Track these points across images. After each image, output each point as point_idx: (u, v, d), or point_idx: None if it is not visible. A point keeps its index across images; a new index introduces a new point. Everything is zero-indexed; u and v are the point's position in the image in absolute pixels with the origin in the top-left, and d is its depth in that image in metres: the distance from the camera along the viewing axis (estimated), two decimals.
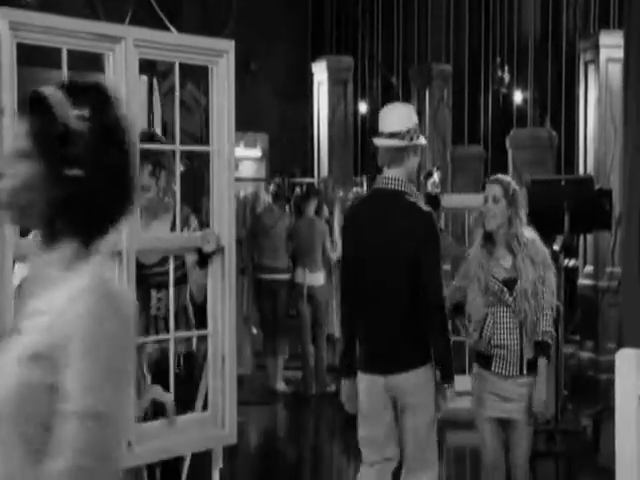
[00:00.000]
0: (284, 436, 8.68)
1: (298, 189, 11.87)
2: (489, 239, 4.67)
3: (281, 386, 9.45)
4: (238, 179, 9.55)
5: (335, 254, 9.28)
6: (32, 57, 3.84)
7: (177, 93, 4.04)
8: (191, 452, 4.17)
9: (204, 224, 4.23)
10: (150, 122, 11.48)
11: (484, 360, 4.64)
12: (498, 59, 14.15)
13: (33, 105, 1.80)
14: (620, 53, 6.50)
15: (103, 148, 1.79)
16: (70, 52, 3.40)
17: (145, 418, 3.92)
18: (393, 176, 4.48)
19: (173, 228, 4.20)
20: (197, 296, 4.28)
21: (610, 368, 4.55)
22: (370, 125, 13.49)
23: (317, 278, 9.32)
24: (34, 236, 2.95)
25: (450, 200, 9.12)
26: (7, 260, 3.26)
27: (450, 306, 4.62)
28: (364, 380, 4.51)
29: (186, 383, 4.14)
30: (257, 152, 14.94)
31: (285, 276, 9.44)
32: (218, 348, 3.96)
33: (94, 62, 3.90)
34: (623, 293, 4.36)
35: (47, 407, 1.69)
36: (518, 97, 13.94)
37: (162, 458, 3.94)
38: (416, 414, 4.43)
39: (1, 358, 1.77)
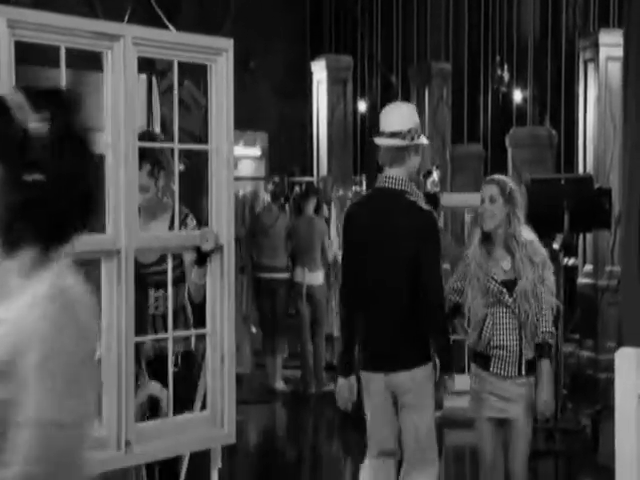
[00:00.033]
0: (283, 435, 8.68)
1: (297, 188, 11.86)
2: (487, 239, 4.66)
3: (280, 385, 9.44)
4: (237, 178, 9.53)
5: (331, 253, 9.28)
6: (30, 55, 3.82)
7: (176, 91, 4.03)
8: (190, 452, 4.16)
9: (203, 223, 4.22)
10: (149, 121, 11.46)
11: (482, 360, 4.62)
12: (497, 58, 14.14)
13: None
14: (620, 52, 6.51)
15: (63, 153, 1.75)
16: (69, 50, 3.39)
17: (142, 415, 3.92)
18: (394, 175, 4.48)
19: (171, 228, 4.20)
20: (195, 295, 4.28)
21: (610, 367, 4.55)
22: (369, 124, 13.49)
23: (316, 277, 9.31)
24: None
25: (449, 199, 9.10)
26: None
27: (448, 309, 4.61)
28: (365, 378, 4.53)
29: (185, 382, 4.13)
30: (256, 151, 14.93)
31: (284, 275, 9.43)
32: (217, 347, 3.94)
33: (93, 60, 3.89)
34: (623, 292, 4.35)
35: (5, 417, 1.66)
36: (518, 96, 13.92)
37: (161, 458, 3.93)
38: (416, 413, 4.44)
39: None
